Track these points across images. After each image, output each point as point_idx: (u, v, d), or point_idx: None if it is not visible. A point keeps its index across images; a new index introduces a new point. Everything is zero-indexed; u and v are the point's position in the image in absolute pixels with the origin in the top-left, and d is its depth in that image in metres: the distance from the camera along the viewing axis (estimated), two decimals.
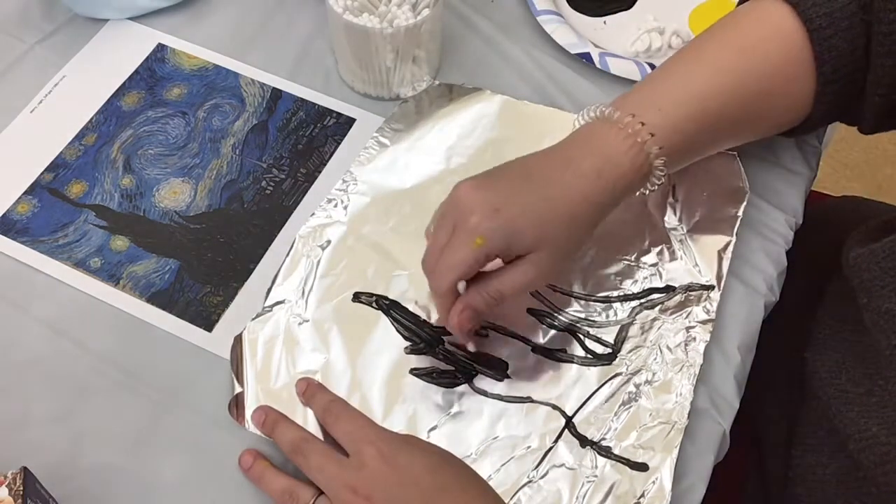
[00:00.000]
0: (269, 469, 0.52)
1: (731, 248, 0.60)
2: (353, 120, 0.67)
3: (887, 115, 0.57)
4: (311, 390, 0.54)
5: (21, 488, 0.45)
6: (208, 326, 0.58)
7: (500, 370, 0.56)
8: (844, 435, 0.53)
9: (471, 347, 0.55)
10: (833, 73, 0.55)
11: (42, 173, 0.64)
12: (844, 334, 0.58)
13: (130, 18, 0.72)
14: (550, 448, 0.53)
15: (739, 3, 0.61)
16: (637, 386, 0.55)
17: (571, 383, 0.55)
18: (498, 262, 0.52)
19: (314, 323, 0.57)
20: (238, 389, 0.55)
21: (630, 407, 0.54)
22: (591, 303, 0.58)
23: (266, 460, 0.52)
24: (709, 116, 0.55)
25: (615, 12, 0.73)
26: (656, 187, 0.55)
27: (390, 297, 0.58)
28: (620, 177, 0.52)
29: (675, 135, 0.54)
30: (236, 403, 0.54)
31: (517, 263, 0.52)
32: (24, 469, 0.46)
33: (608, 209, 0.53)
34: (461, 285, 0.52)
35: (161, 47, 0.71)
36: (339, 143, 0.66)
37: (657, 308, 0.58)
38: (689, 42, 0.59)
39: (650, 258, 0.60)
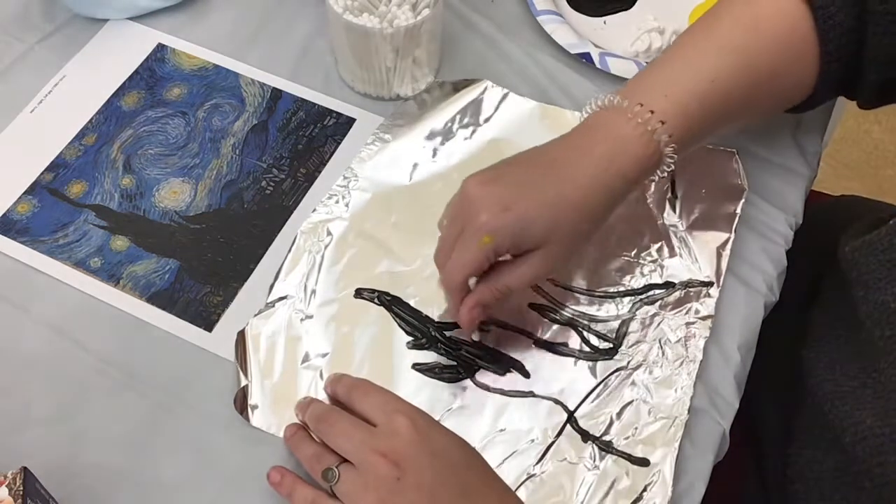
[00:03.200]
0: (305, 438, 0.52)
1: (729, 244, 0.61)
2: (353, 120, 0.67)
3: (883, 90, 0.57)
4: (335, 376, 0.54)
5: (21, 488, 0.45)
6: (208, 326, 0.58)
7: (501, 364, 0.56)
8: (840, 429, 0.53)
9: (475, 336, 0.56)
10: (836, 50, 0.55)
11: (42, 173, 0.64)
12: (839, 330, 0.58)
13: (130, 18, 0.72)
14: (552, 443, 0.53)
15: None
16: (638, 381, 0.55)
17: (573, 378, 0.56)
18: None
19: (317, 318, 0.57)
20: (244, 382, 0.55)
21: (631, 402, 0.55)
22: (593, 298, 0.59)
23: (305, 429, 0.52)
24: (717, 98, 0.55)
25: (615, 12, 0.73)
26: (665, 174, 0.55)
27: (392, 292, 0.59)
28: (633, 163, 0.52)
29: (685, 120, 0.54)
30: (241, 397, 0.55)
31: (526, 258, 0.52)
32: (24, 469, 0.46)
33: (620, 197, 0.53)
34: (471, 281, 0.52)
35: (161, 47, 0.71)
36: (339, 143, 0.66)
37: (657, 304, 0.58)
38: (694, 23, 0.59)
39: (650, 254, 0.60)
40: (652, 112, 0.53)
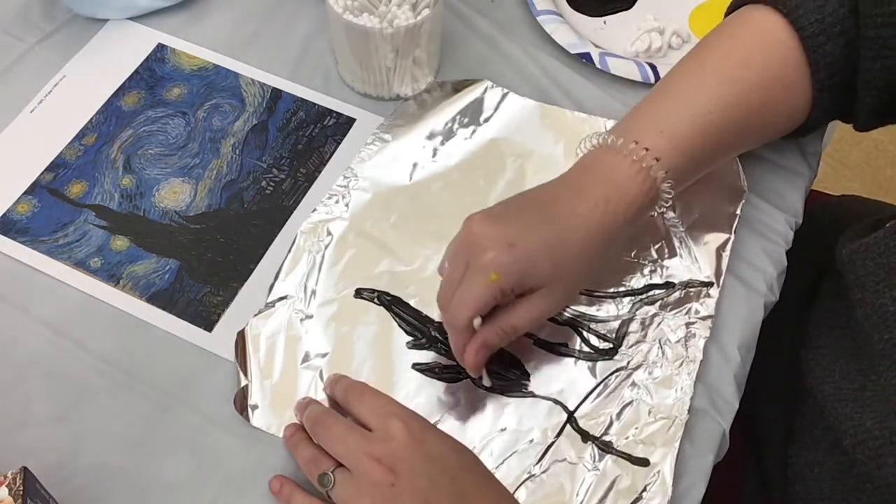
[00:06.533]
0: (303, 440, 0.52)
1: (729, 245, 0.61)
2: (353, 120, 0.67)
3: (879, 113, 0.57)
4: (334, 377, 0.55)
5: (21, 488, 0.45)
6: (208, 326, 0.58)
7: (501, 365, 0.56)
8: (839, 431, 0.53)
9: (486, 382, 0.55)
10: (829, 78, 0.55)
11: (42, 173, 0.64)
12: (837, 332, 0.58)
13: (130, 18, 0.72)
14: (552, 443, 0.53)
15: (728, 14, 0.61)
16: (638, 381, 0.55)
17: (573, 378, 0.56)
18: None
19: (317, 318, 0.57)
20: (244, 382, 0.55)
21: (631, 402, 0.55)
22: (592, 298, 0.59)
23: (304, 430, 0.52)
24: (711, 133, 0.55)
25: (615, 12, 0.74)
26: (664, 209, 0.55)
27: (392, 292, 0.59)
28: (629, 204, 0.53)
29: (680, 156, 0.54)
30: (241, 397, 0.55)
31: (530, 297, 0.52)
32: (24, 469, 0.46)
33: (618, 237, 0.54)
34: (476, 321, 0.51)
35: (161, 47, 0.71)
36: (339, 143, 0.66)
37: (657, 304, 0.58)
38: (684, 58, 0.59)
39: (650, 254, 0.60)
40: (647, 150, 0.53)
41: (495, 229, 0.51)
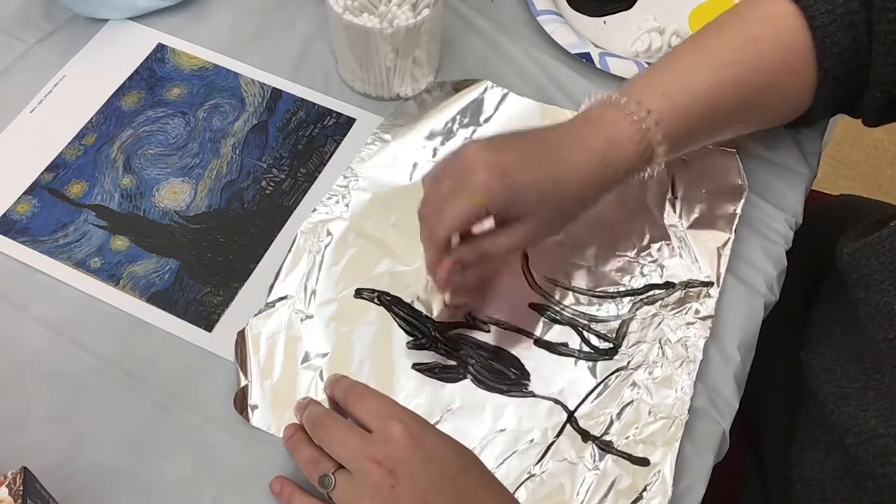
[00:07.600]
0: (303, 441, 0.52)
1: (729, 245, 0.61)
2: (353, 120, 0.67)
3: (889, 108, 0.58)
4: (334, 378, 0.55)
5: (21, 488, 0.45)
6: (208, 326, 0.58)
7: (502, 364, 0.56)
8: (843, 430, 0.53)
9: (447, 299, 0.54)
10: (834, 68, 0.56)
11: (42, 173, 0.64)
12: (837, 332, 0.58)
13: (130, 18, 0.72)
14: (552, 442, 0.53)
15: None
16: (638, 381, 0.55)
17: (573, 378, 0.56)
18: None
19: (317, 318, 0.57)
20: (244, 382, 0.55)
21: (631, 402, 0.55)
22: (592, 298, 0.59)
23: (303, 431, 0.52)
24: (712, 106, 0.56)
25: (615, 12, 0.74)
26: (655, 172, 0.56)
27: (392, 292, 0.59)
28: (624, 160, 0.54)
29: (679, 122, 0.55)
30: (241, 397, 0.55)
31: (509, 226, 0.52)
32: (24, 469, 0.46)
33: (608, 189, 0.55)
34: (455, 238, 0.52)
35: (161, 47, 0.71)
36: (339, 143, 0.66)
37: (657, 304, 0.58)
38: (694, 34, 0.60)
39: (650, 254, 0.60)
40: (648, 112, 0.54)
41: (490, 155, 0.52)
